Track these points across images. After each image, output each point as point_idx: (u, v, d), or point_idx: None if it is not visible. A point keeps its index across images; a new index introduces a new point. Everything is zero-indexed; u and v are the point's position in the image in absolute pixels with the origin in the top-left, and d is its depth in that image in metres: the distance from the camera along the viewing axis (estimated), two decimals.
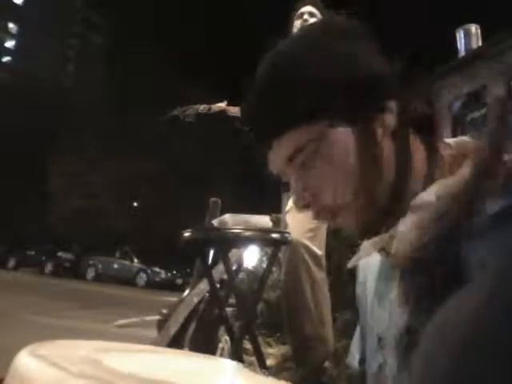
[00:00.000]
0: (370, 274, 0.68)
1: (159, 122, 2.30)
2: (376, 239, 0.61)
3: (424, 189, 0.54)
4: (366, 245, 0.63)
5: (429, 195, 0.52)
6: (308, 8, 2.16)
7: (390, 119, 0.54)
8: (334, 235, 2.34)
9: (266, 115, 0.57)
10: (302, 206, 0.58)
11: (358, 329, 0.76)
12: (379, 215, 0.55)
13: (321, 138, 0.54)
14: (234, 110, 2.19)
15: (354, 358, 0.75)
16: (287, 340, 2.15)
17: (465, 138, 0.59)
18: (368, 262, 0.69)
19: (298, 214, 1.87)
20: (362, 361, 0.72)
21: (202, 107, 2.24)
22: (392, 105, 0.54)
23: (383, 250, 0.60)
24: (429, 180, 0.54)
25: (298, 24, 2.14)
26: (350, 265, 0.67)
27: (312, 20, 2.13)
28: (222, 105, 2.22)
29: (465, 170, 0.51)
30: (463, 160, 0.53)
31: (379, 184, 0.54)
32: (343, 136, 0.53)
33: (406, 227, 0.52)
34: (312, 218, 0.59)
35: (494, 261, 0.43)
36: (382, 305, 0.62)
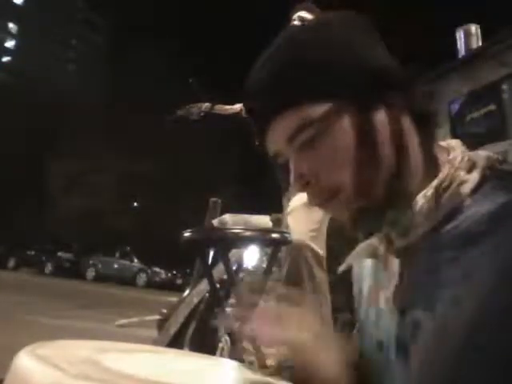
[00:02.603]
0: (363, 276, 0.68)
1: (166, 121, 2.31)
2: (366, 243, 0.61)
3: (421, 186, 0.54)
4: (357, 249, 0.64)
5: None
6: (299, 13, 2.17)
7: (391, 111, 0.55)
8: (334, 234, 2.34)
9: (273, 89, 0.56)
10: (299, 186, 0.57)
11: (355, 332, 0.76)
12: (374, 205, 0.55)
13: (324, 120, 0.54)
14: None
15: None
16: None
17: (452, 141, 0.59)
18: (362, 263, 0.70)
19: (300, 214, 1.88)
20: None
21: (205, 106, 2.24)
22: (396, 98, 0.55)
23: (374, 254, 0.61)
24: (425, 178, 0.55)
25: None
26: (340, 269, 0.67)
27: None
28: (237, 106, 2.23)
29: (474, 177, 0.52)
30: (470, 167, 0.53)
31: (377, 173, 0.54)
32: (346, 121, 0.54)
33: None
34: (308, 202, 0.59)
35: (495, 261, 0.43)
36: (372, 310, 0.63)
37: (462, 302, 0.44)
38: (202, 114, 2.25)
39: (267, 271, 1.80)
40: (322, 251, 1.84)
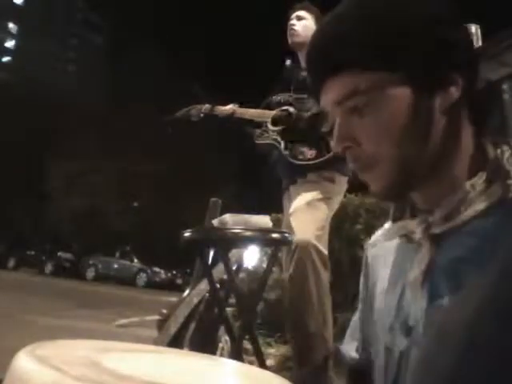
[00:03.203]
0: (381, 260, 0.67)
1: (165, 122, 2.31)
2: (401, 224, 0.60)
3: (467, 175, 0.54)
4: (390, 228, 0.63)
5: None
6: (297, 12, 2.17)
7: (453, 92, 0.53)
8: (335, 233, 2.34)
9: (334, 47, 0.55)
10: (340, 149, 0.57)
11: (355, 319, 0.75)
12: (412, 181, 0.55)
13: (379, 88, 0.53)
14: (242, 113, 2.20)
15: (350, 347, 0.74)
16: (289, 339, 2.15)
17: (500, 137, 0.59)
18: (379, 247, 0.68)
19: (304, 214, 1.88)
20: (359, 350, 0.71)
21: (205, 107, 2.25)
22: (458, 78, 0.54)
23: (406, 236, 0.60)
24: (473, 168, 0.54)
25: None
26: (368, 243, 0.66)
27: (300, 23, 2.14)
28: (231, 107, 2.23)
29: None
30: None
31: (422, 151, 0.53)
32: (402, 93, 0.53)
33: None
34: (348, 162, 0.58)
35: (497, 260, 0.43)
36: (392, 292, 0.61)
37: (462, 301, 0.44)
38: (201, 116, 2.25)
39: (267, 271, 1.79)
40: (325, 251, 1.84)
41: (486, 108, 0.58)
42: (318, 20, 2.14)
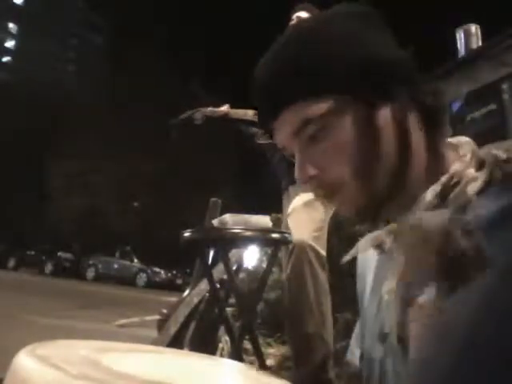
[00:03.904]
0: (367, 269, 0.68)
1: (169, 125, 2.32)
2: (372, 235, 0.61)
3: (425, 183, 0.54)
4: (362, 241, 0.64)
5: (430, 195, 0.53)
6: (298, 13, 2.18)
7: (397, 106, 0.55)
8: (334, 233, 2.34)
9: (274, 88, 0.57)
10: (303, 180, 0.58)
11: (357, 325, 0.76)
12: (378, 200, 0.56)
13: (325, 117, 0.54)
14: (236, 113, 2.21)
15: (354, 356, 0.75)
16: (288, 339, 2.15)
17: (462, 138, 0.59)
18: (366, 257, 0.70)
19: (302, 214, 1.88)
20: (363, 357, 0.72)
21: (208, 110, 2.26)
22: (401, 93, 0.55)
23: (379, 246, 0.61)
24: (430, 175, 0.55)
25: None
26: (345, 259, 0.67)
27: None
28: (225, 108, 2.24)
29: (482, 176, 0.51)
30: (479, 165, 0.53)
31: (378, 168, 0.54)
32: (348, 117, 0.54)
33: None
34: (311, 194, 0.60)
35: (496, 261, 0.43)
36: (374, 300, 0.62)
37: (462, 301, 0.44)
38: (204, 119, 2.27)
39: (267, 271, 1.80)
40: (323, 251, 1.84)
41: (440, 114, 0.58)
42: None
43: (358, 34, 0.56)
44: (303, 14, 2.17)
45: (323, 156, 0.56)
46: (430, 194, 0.53)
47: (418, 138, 0.56)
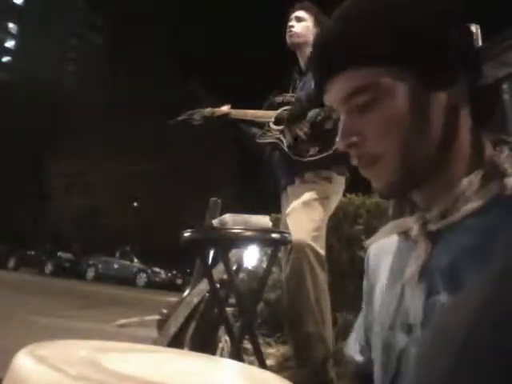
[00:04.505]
0: (383, 260, 0.67)
1: (170, 125, 2.32)
2: (398, 221, 0.61)
3: (464, 173, 0.54)
4: (387, 226, 0.63)
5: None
6: (296, 13, 2.17)
7: (454, 90, 0.54)
8: (334, 233, 2.34)
9: (343, 44, 0.56)
10: (343, 146, 0.58)
11: (359, 320, 0.75)
12: (414, 179, 0.56)
13: (382, 85, 0.54)
14: (236, 113, 2.21)
15: (354, 350, 0.74)
16: (288, 339, 2.15)
17: (500, 136, 0.59)
18: (382, 247, 0.69)
19: (301, 214, 1.88)
20: (363, 351, 0.71)
21: (208, 111, 2.26)
22: (459, 76, 0.54)
23: (404, 233, 0.60)
24: (470, 166, 0.54)
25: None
26: (367, 243, 0.67)
27: (299, 24, 2.14)
28: (225, 108, 2.24)
29: None
30: None
31: (423, 147, 0.54)
32: (403, 90, 0.54)
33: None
34: (352, 159, 0.59)
35: (496, 258, 0.43)
36: (392, 291, 0.61)
37: (461, 302, 0.44)
38: (204, 119, 2.26)
39: (267, 271, 1.79)
40: (322, 251, 1.84)
41: (488, 106, 0.58)
42: (317, 20, 2.14)
43: (441, 10, 0.54)
44: (302, 13, 2.17)
45: (370, 126, 0.55)
46: (466, 183, 0.53)
47: (466, 128, 0.56)
